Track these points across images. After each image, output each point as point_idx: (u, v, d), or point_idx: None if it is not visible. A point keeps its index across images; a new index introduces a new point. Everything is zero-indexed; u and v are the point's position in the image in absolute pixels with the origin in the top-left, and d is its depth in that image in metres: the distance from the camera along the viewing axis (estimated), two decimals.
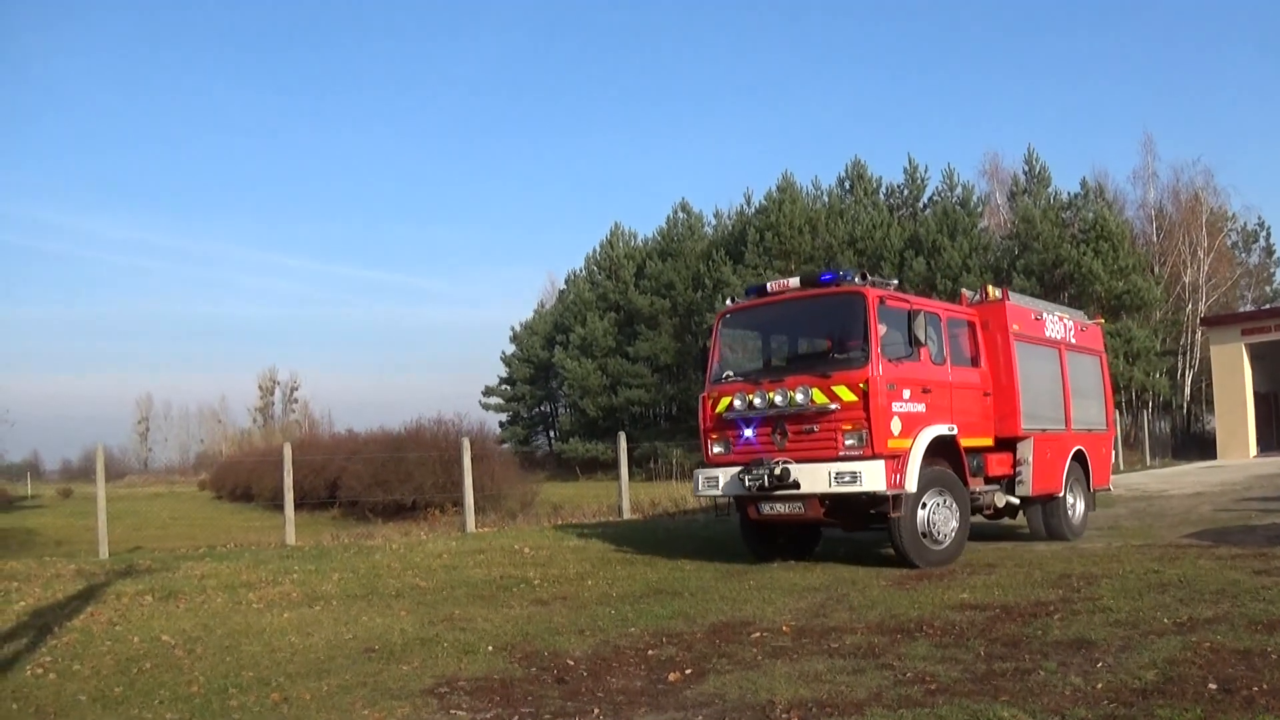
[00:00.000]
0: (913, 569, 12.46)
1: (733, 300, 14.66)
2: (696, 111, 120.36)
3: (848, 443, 12.30)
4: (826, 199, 56.43)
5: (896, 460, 12.26)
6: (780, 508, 12.99)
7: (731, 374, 13.60)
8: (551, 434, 75.32)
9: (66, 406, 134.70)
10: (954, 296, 16.30)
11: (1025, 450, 14.44)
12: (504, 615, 10.91)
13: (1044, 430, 14.82)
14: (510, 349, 76.67)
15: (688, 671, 8.01)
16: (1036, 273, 45.92)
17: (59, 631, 10.51)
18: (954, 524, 12.99)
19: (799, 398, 12.55)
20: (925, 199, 57.12)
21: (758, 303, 13.95)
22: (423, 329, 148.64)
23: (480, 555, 14.83)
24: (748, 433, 13.15)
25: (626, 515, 21.02)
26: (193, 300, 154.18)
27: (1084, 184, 51.02)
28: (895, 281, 13.55)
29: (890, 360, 12.40)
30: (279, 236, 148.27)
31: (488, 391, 78.22)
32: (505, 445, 62.91)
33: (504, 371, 77.22)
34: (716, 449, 13.56)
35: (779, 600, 11.09)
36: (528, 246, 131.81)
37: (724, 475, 13.18)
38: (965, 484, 13.34)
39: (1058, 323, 15.83)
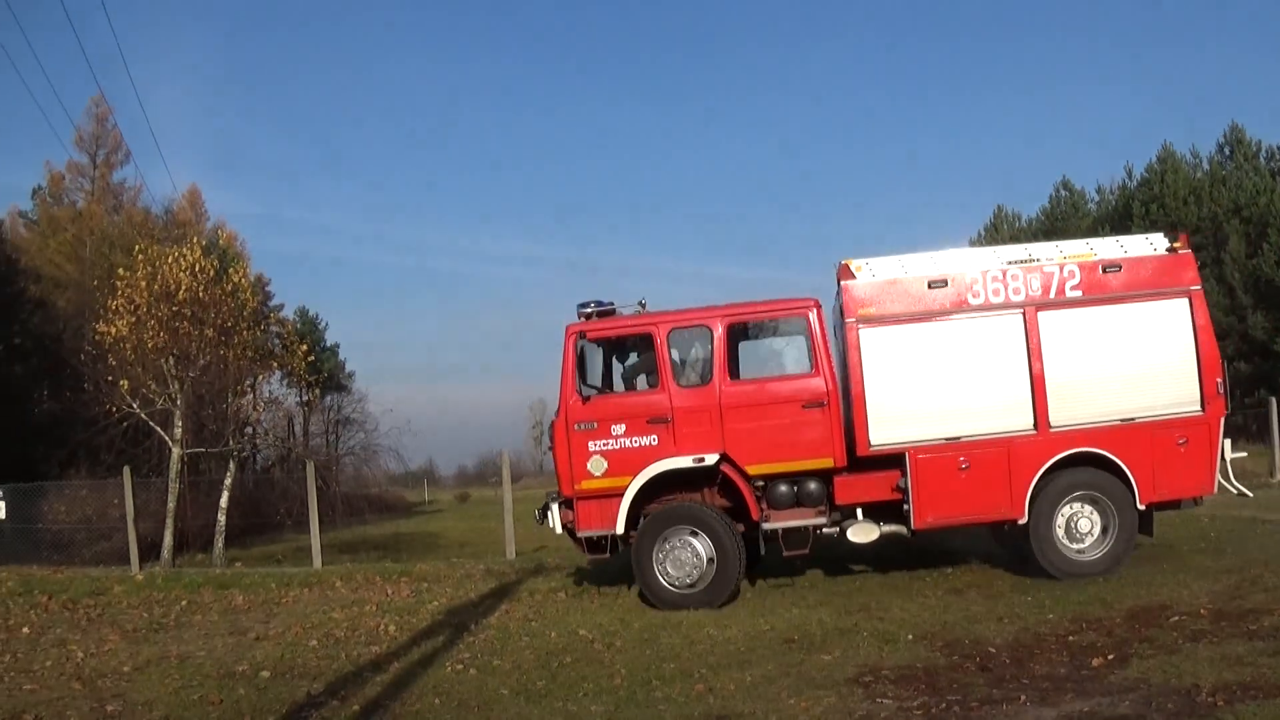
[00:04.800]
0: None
1: None
2: (1067, 86, 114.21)
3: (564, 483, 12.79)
4: (1207, 166, 53.95)
5: (601, 501, 12.46)
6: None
7: None
8: None
9: (460, 414, 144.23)
10: None
11: (908, 470, 12.31)
12: (919, 604, 11.20)
13: (953, 439, 12.32)
14: None
15: (1110, 657, 8.18)
16: None
17: (475, 629, 11.54)
18: (699, 566, 12.31)
19: (547, 438, 13.23)
20: None
21: None
22: None
23: (888, 546, 14.89)
24: None
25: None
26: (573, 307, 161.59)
27: None
28: (641, 303, 13.33)
29: (592, 395, 12.75)
30: (658, 237, 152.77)
31: None
32: None
33: None
34: None
35: (1193, 583, 11.06)
36: (907, 235, 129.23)
37: None
38: (751, 518, 12.49)
39: (1032, 274, 12.44)
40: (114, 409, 23.91)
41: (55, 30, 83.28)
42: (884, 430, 12.32)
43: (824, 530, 12.65)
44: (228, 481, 24.42)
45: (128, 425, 24.71)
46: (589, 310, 13.00)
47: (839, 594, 12.32)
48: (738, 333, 13.16)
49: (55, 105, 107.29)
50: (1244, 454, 13.61)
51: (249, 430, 33.15)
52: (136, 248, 26.12)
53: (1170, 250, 12.52)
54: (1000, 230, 64.19)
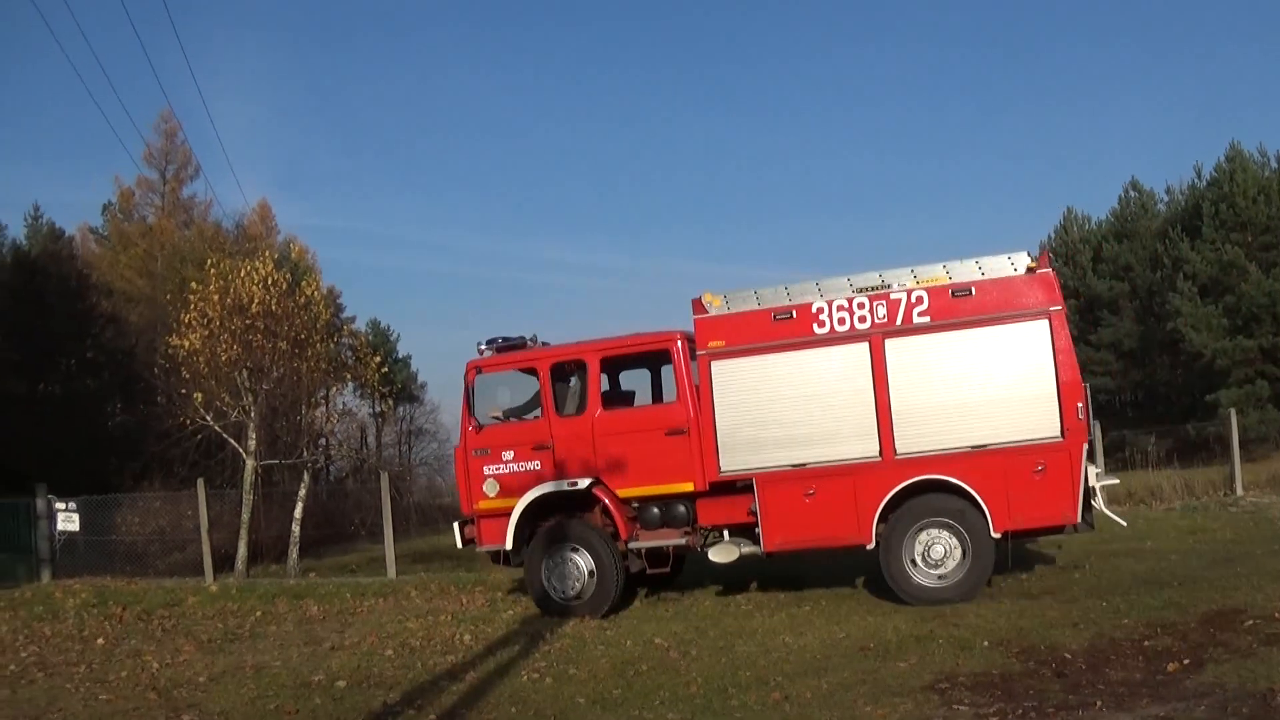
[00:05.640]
0: None
1: None
2: (1136, 85, 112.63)
3: None
4: (1276, 164, 53.59)
5: (496, 519, 13.75)
6: None
7: None
8: None
9: None
10: None
11: (756, 495, 12.78)
12: (995, 610, 11.21)
13: (799, 466, 12.62)
14: None
15: (1185, 661, 8.26)
16: None
17: (550, 638, 11.71)
18: (580, 580, 13.47)
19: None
20: None
21: None
22: None
23: None
24: None
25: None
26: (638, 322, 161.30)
27: None
28: (532, 337, 14.79)
29: (487, 424, 13.95)
30: (738, 247, 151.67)
31: None
32: None
33: None
34: None
35: (1269, 587, 11.01)
36: (976, 239, 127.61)
37: None
38: (619, 537, 13.50)
39: (879, 302, 12.43)
40: (188, 422, 24.26)
41: (123, 47, 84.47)
42: (733, 457, 12.91)
43: (701, 549, 13.51)
44: (302, 493, 24.69)
45: (201, 438, 25.12)
46: (483, 346, 14.30)
47: None
48: (611, 365, 14.34)
49: (125, 121, 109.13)
50: (1115, 480, 13.59)
51: (323, 442, 33.65)
52: (208, 261, 26.50)
53: (1029, 271, 12.19)
54: (1070, 232, 64.71)
